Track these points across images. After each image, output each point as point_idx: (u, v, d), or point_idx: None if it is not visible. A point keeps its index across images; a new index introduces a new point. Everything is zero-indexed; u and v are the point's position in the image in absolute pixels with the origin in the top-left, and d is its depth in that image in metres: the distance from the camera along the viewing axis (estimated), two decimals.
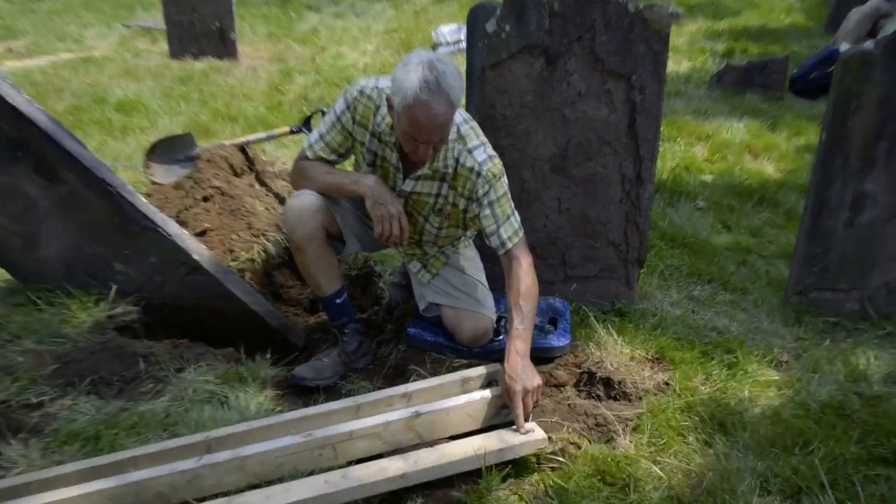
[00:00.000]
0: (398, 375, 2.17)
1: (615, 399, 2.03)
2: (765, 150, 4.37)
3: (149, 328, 2.18)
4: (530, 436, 1.73)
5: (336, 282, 2.10)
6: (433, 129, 1.75)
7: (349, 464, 1.65)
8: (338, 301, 2.15)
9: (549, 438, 1.75)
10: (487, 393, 1.80)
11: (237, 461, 1.56)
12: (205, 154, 3.08)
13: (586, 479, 1.68)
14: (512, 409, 1.73)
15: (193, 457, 1.59)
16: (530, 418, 1.76)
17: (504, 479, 1.70)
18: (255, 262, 2.58)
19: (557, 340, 2.20)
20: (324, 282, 2.09)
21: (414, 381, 1.99)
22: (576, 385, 2.11)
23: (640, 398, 2.02)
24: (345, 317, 2.20)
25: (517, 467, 1.73)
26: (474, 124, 1.97)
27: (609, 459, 1.73)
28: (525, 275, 1.88)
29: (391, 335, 2.38)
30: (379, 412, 1.78)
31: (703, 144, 4.36)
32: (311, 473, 1.59)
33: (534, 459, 1.76)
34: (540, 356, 2.13)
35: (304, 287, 2.67)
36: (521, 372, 1.76)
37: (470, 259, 2.20)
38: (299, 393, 2.12)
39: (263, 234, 2.65)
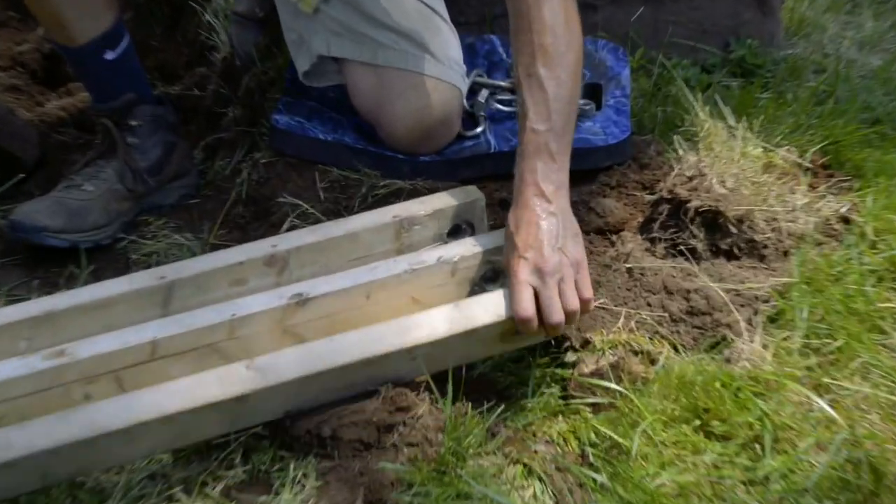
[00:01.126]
0: (255, 219, 1.79)
1: (731, 256, 1.59)
2: None
3: None
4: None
5: (104, 8, 1.78)
6: None
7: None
8: (109, 54, 1.82)
9: (587, 340, 1.41)
10: (456, 252, 1.43)
11: None
12: None
13: (668, 431, 1.31)
14: (514, 309, 1.30)
15: None
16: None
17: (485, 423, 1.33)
18: None
19: (603, 132, 1.78)
20: (73, 8, 1.75)
21: (289, 228, 1.64)
22: (644, 227, 1.67)
23: (786, 253, 1.59)
24: (127, 89, 1.87)
25: (513, 398, 1.40)
26: None
27: (718, 386, 1.34)
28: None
29: (236, 133, 2.03)
30: (212, 298, 1.41)
31: None
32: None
33: (552, 382, 1.42)
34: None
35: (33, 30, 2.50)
36: (543, 232, 1.34)
37: None
38: (32, 261, 1.77)
39: None
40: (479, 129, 1.77)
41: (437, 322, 1.27)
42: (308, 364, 1.21)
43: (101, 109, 1.87)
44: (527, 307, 1.27)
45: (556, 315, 1.27)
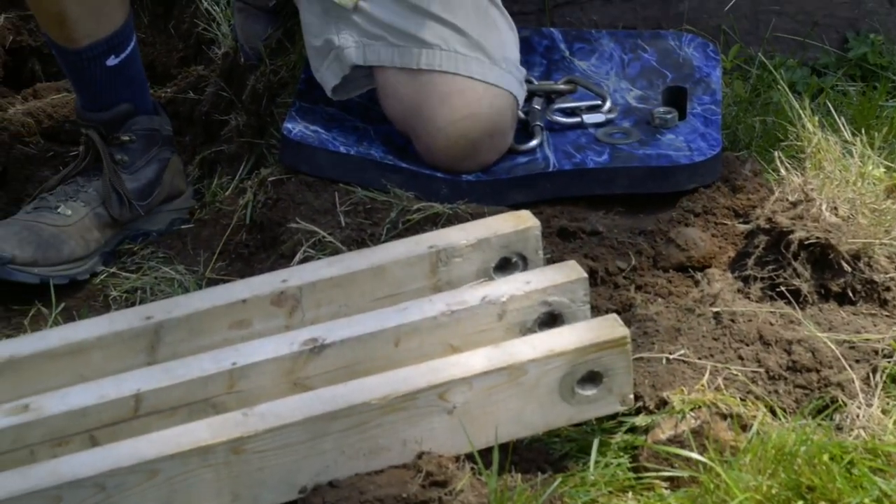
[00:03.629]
0: (262, 249, 1.81)
1: (844, 300, 1.58)
2: None
3: None
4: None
5: (115, 7, 1.86)
6: None
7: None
8: (112, 60, 1.88)
9: (664, 401, 1.40)
10: (504, 291, 1.42)
11: None
12: None
13: None
14: None
15: None
16: None
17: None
18: None
19: (687, 147, 1.84)
20: (79, 5, 1.81)
21: (303, 260, 1.66)
22: (736, 263, 1.69)
23: None
24: (124, 99, 1.92)
25: (571, 469, 1.38)
26: None
27: (826, 459, 1.31)
28: None
29: (240, 145, 2.07)
30: (208, 343, 1.41)
31: None
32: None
33: (620, 451, 1.40)
34: (641, 187, 1.82)
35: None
36: None
37: None
38: None
39: None
40: (534, 143, 1.78)
41: (473, 360, 1.29)
42: (317, 406, 1.22)
43: (88, 119, 1.89)
44: None
45: None
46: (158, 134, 1.94)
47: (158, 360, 1.37)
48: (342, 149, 1.80)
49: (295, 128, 1.82)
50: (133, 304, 1.70)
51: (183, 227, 1.93)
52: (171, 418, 1.27)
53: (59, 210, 1.83)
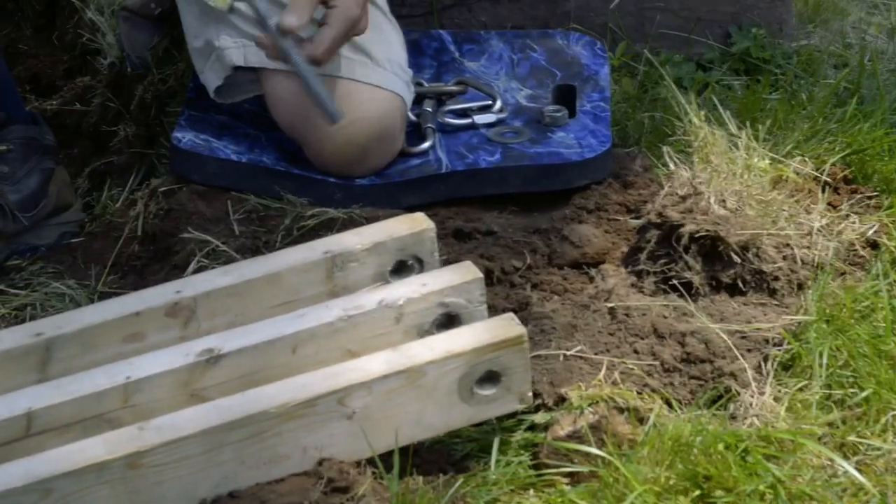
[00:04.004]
0: (155, 260, 1.80)
1: (734, 291, 1.63)
2: None
3: None
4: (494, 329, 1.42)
5: None
6: None
7: None
8: None
9: (562, 397, 1.42)
10: (401, 294, 1.43)
11: None
12: None
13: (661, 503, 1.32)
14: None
15: None
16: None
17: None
18: None
19: (578, 144, 1.87)
20: None
21: (197, 270, 1.65)
22: (629, 258, 1.72)
23: (801, 286, 1.65)
24: None
25: (473, 469, 1.39)
26: None
27: (721, 449, 1.34)
28: None
29: (130, 156, 2.07)
30: (102, 358, 1.38)
31: None
32: None
33: (520, 448, 1.41)
34: (534, 185, 1.85)
35: None
36: None
37: None
38: None
39: None
40: (426, 145, 1.79)
41: (372, 364, 1.29)
42: (214, 417, 1.21)
43: None
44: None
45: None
46: (38, 143, 1.91)
47: (50, 378, 1.34)
48: (233, 156, 1.79)
49: (185, 136, 1.81)
50: (22, 322, 1.66)
51: (73, 240, 1.90)
52: (64, 436, 1.25)
53: None
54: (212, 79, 1.83)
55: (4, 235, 1.82)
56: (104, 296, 1.71)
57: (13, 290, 1.77)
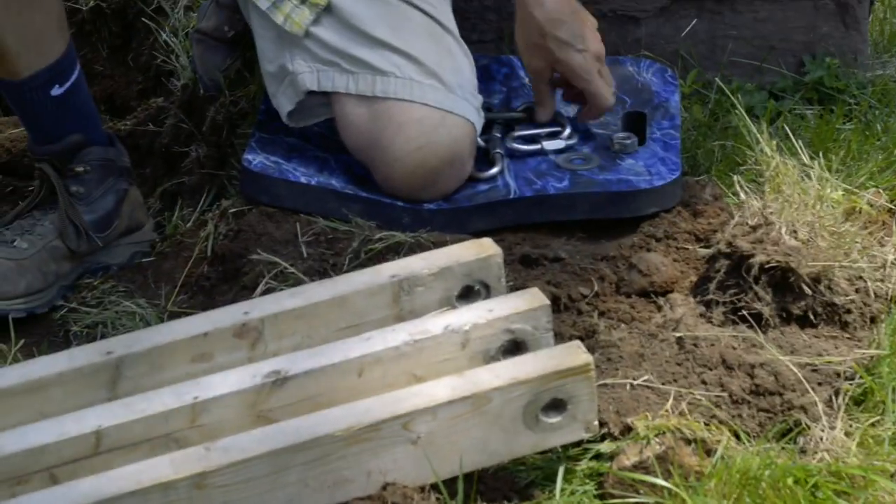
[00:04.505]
0: (223, 281, 1.79)
1: (805, 323, 1.59)
2: None
3: None
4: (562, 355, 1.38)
5: (55, 35, 1.84)
6: None
7: None
8: (56, 89, 1.86)
9: (629, 427, 1.40)
10: (467, 319, 1.41)
11: None
12: None
13: None
14: (588, 90, 1.79)
15: None
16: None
17: None
18: None
19: (647, 172, 1.84)
20: (18, 37, 1.80)
21: (265, 292, 1.64)
22: (698, 288, 1.68)
23: (874, 319, 1.62)
24: (74, 129, 1.89)
25: (537, 497, 1.37)
26: None
27: (790, 483, 1.31)
28: None
29: (201, 177, 2.06)
30: (170, 378, 1.37)
31: None
32: None
33: (585, 478, 1.40)
34: (602, 212, 1.84)
35: None
36: (576, 23, 1.82)
37: None
38: None
39: None
40: (494, 170, 1.77)
41: (437, 390, 1.28)
42: (280, 439, 1.20)
43: (40, 152, 1.89)
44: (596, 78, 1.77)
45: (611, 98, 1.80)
46: (114, 164, 1.92)
47: (119, 396, 1.34)
48: (303, 179, 1.79)
49: (255, 159, 1.81)
50: (94, 339, 1.68)
51: (144, 260, 1.93)
52: (132, 454, 1.25)
53: (14, 244, 1.82)
54: (284, 103, 1.83)
55: (78, 255, 1.83)
56: (173, 315, 1.72)
57: (85, 308, 1.79)
